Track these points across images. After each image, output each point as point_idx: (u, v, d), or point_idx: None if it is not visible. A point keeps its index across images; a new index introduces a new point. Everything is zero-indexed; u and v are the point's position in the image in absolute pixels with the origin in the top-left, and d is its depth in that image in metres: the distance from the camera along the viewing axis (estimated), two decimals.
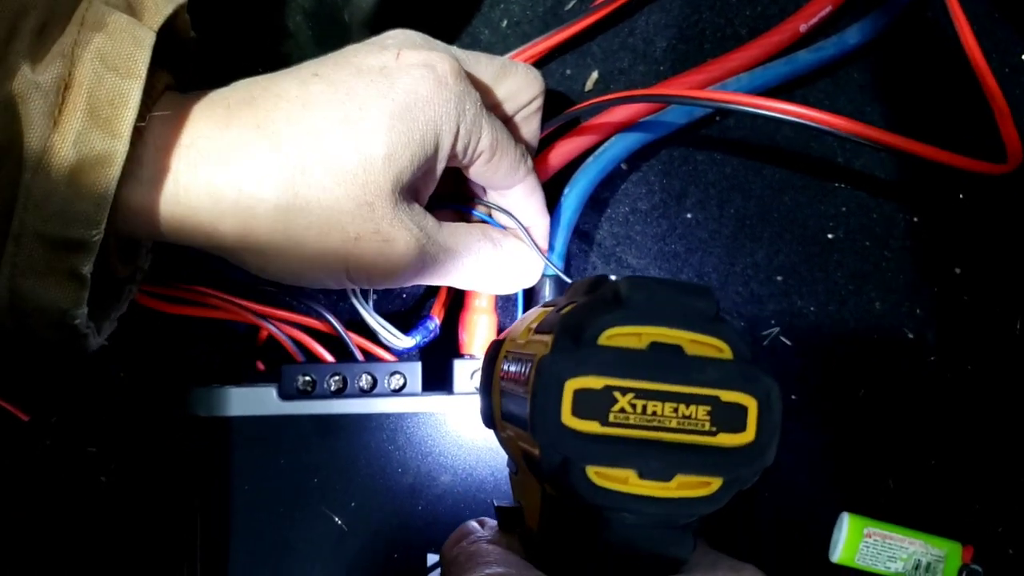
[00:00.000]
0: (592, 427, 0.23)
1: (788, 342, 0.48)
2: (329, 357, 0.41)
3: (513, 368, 0.27)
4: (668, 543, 0.26)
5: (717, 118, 0.48)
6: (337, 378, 0.40)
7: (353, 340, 0.41)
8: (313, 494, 0.38)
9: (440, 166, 0.36)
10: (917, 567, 0.45)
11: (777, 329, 0.48)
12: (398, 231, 0.34)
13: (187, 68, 0.36)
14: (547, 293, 0.42)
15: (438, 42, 0.37)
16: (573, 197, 0.44)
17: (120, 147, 0.30)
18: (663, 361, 0.24)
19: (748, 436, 0.24)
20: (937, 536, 0.46)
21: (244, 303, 0.41)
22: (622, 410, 0.24)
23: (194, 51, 0.36)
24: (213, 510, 0.38)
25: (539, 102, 0.41)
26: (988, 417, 0.48)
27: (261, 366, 0.42)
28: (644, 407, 0.24)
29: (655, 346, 0.24)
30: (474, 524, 0.33)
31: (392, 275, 0.35)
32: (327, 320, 0.41)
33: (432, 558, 0.38)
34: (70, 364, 0.43)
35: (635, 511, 0.24)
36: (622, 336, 0.24)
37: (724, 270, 0.48)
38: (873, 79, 0.48)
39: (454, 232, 0.38)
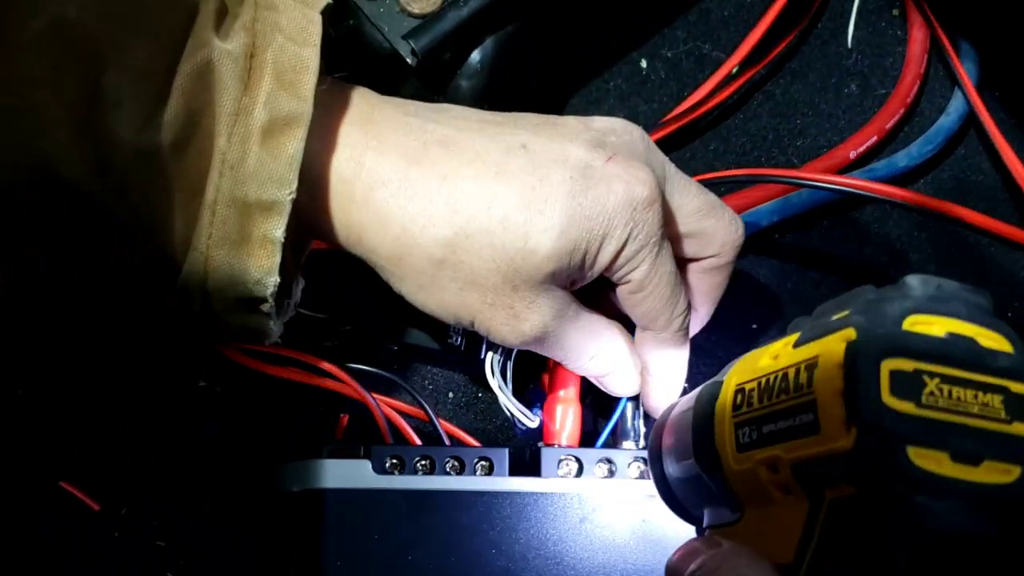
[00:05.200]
0: (908, 407, 0.24)
1: None
2: (417, 440, 0.41)
3: (766, 391, 0.28)
4: (973, 532, 0.25)
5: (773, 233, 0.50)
6: (425, 462, 0.39)
7: (442, 425, 0.41)
8: (406, 571, 0.37)
9: (596, 271, 0.37)
10: None
11: None
12: (532, 313, 0.36)
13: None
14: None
15: (658, 153, 0.38)
16: None
17: (306, 108, 0.32)
18: (962, 350, 0.25)
19: None
20: None
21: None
22: (931, 393, 0.24)
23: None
24: None
25: (729, 257, 0.40)
26: None
27: None
28: (950, 391, 0.24)
29: (953, 335, 0.25)
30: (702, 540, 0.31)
31: (510, 343, 0.37)
32: (420, 405, 0.42)
33: None
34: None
35: (949, 495, 0.24)
36: (922, 324, 0.25)
37: None
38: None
39: (590, 323, 0.38)
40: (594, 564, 0.38)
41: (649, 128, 0.50)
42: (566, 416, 0.42)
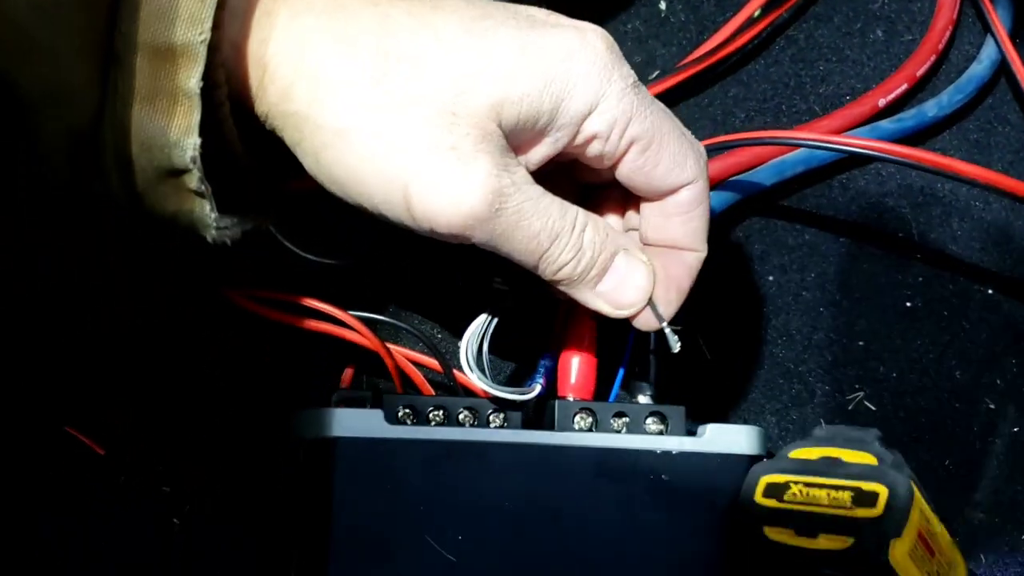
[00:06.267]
0: (772, 503, 0.36)
1: (872, 407, 0.47)
2: (431, 390, 0.41)
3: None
4: None
5: (795, 185, 0.49)
6: (438, 412, 0.38)
7: (456, 376, 0.40)
8: (418, 524, 0.36)
9: (557, 137, 0.32)
10: None
11: (861, 394, 0.47)
12: (479, 157, 0.30)
13: None
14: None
15: None
16: None
17: None
18: (825, 464, 0.36)
19: (877, 511, 0.33)
20: None
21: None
22: (793, 494, 0.35)
23: None
24: (312, 537, 0.36)
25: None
26: None
27: None
28: (807, 492, 0.35)
29: (824, 458, 0.36)
30: None
31: (460, 210, 0.30)
32: (435, 355, 0.41)
33: None
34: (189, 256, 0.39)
35: (791, 556, 0.35)
36: (803, 452, 0.37)
37: (807, 332, 0.48)
38: (952, 152, 0.50)
39: (551, 200, 0.32)
40: (609, 518, 0.38)
41: (666, 72, 0.49)
42: (581, 369, 0.41)
